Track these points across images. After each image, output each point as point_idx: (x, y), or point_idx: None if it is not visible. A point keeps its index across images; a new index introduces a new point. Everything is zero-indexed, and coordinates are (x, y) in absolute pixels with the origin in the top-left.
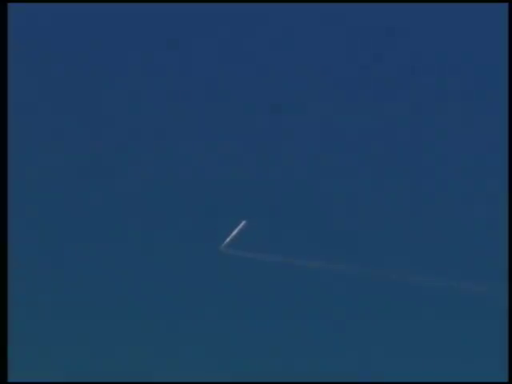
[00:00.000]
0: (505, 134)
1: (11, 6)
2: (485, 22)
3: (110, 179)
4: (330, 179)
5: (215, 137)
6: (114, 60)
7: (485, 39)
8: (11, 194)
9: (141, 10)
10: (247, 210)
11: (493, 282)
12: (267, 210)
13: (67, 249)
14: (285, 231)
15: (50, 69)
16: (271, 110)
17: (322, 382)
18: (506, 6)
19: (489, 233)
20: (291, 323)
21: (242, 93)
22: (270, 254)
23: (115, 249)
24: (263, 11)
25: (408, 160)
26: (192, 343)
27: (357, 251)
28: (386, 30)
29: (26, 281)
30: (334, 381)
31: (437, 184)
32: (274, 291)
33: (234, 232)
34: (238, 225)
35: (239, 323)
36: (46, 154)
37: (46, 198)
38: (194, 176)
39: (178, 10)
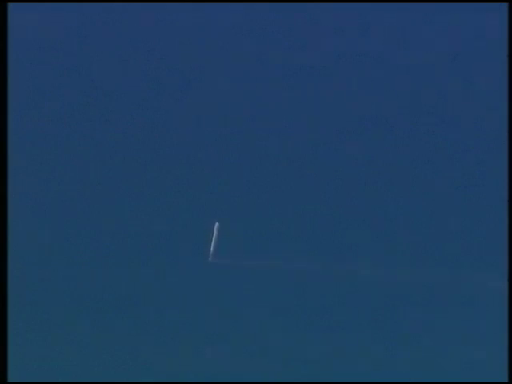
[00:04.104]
0: (505, 132)
1: (11, 6)
2: (485, 21)
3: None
4: (319, 179)
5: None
6: (114, 60)
7: (485, 39)
8: (11, 194)
9: (141, 10)
10: (219, 211)
11: (493, 279)
12: (240, 211)
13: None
14: (264, 233)
15: (50, 69)
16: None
17: (322, 382)
18: (505, 6)
19: (489, 231)
20: (292, 323)
21: (222, 96)
22: (258, 258)
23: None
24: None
25: (407, 158)
26: (200, 348)
27: (350, 252)
28: (385, 30)
29: (26, 281)
30: (334, 381)
31: (436, 184)
32: (274, 294)
33: (214, 238)
34: (213, 229)
35: (250, 325)
36: (44, 153)
37: (39, 202)
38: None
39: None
